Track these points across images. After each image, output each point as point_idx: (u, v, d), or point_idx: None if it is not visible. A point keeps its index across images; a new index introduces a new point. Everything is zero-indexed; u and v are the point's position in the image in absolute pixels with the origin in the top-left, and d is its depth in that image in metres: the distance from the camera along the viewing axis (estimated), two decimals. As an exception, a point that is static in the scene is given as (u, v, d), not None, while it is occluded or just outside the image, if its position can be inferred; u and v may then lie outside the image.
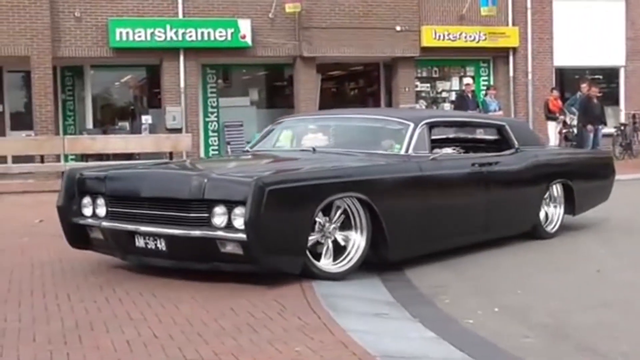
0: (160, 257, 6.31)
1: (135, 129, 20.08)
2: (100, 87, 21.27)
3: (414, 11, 21.21)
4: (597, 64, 23.05)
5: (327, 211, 6.32)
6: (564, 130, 20.84)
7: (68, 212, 6.81)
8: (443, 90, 22.95)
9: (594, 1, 22.75)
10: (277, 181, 5.99)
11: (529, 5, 22.38)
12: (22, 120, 19.76)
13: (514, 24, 22.38)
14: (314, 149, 7.57)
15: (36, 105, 18.69)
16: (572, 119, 20.49)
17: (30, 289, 6.08)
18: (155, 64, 20.31)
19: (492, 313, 5.68)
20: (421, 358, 4.48)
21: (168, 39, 19.41)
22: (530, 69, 22.60)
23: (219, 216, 5.88)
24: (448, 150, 8.34)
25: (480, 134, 9.73)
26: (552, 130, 20.36)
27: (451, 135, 9.38)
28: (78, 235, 6.86)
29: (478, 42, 21.82)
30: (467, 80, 21.42)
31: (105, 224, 6.53)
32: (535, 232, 8.70)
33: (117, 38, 19.06)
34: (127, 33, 19.12)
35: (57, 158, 17.41)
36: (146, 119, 19.91)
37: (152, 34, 19.27)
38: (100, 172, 6.99)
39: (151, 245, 6.22)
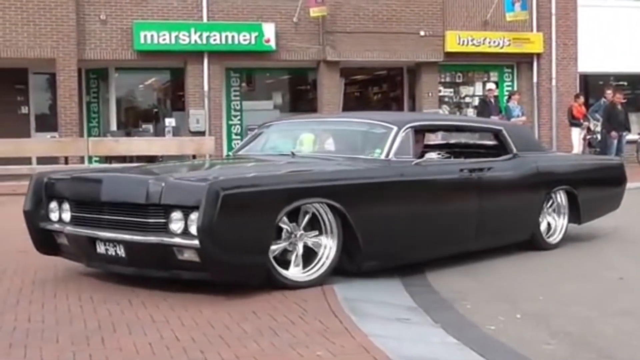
0: (120, 264, 6.12)
1: (159, 132, 20.18)
2: (124, 90, 21.39)
3: (438, 16, 21.17)
4: (622, 70, 22.86)
5: (294, 217, 6.07)
6: (588, 137, 20.71)
7: (35, 217, 6.58)
8: (466, 96, 22.87)
9: (619, 7, 22.57)
10: (233, 185, 5.73)
11: (553, 11, 22.25)
12: (47, 122, 19.92)
13: (538, 30, 22.27)
14: (293, 154, 7.27)
15: (61, 107, 18.83)
16: (596, 125, 20.36)
17: (53, 291, 6.11)
18: (179, 67, 20.40)
19: (513, 319, 5.66)
20: (442, 364, 4.47)
21: (192, 42, 19.49)
22: (554, 75, 22.47)
23: (176, 222, 5.64)
24: (433, 155, 7.68)
25: (476, 139, 9.31)
26: (576, 136, 20.24)
27: (444, 140, 9.13)
28: (46, 240, 6.63)
29: (502, 47, 21.73)
30: (490, 85, 21.28)
31: (69, 229, 6.33)
32: (534, 242, 8.32)
33: (142, 41, 19.16)
34: (152, 36, 19.22)
35: (81, 160, 17.55)
36: (170, 122, 20.00)
37: (177, 37, 19.36)
38: (66, 176, 6.76)
39: (111, 251, 6.01)
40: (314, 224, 6.23)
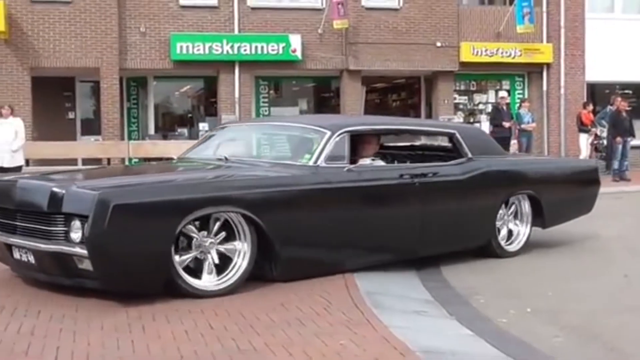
0: (33, 270, 5.74)
1: (193, 135, 20.20)
2: (161, 97, 21.46)
3: (454, 28, 21.09)
4: (627, 79, 22.63)
5: (205, 225, 5.62)
6: (595, 142, 20.55)
7: None
8: (480, 103, 22.75)
9: (624, 20, 22.38)
10: (125, 195, 5.31)
11: (562, 23, 22.09)
12: (91, 126, 20.04)
13: (548, 41, 22.11)
14: (226, 158, 6.66)
15: (104, 112, 18.92)
16: (603, 132, 20.21)
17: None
18: (212, 75, 20.45)
19: (524, 314, 5.64)
20: (458, 354, 4.46)
21: (224, 52, 19.53)
22: (563, 84, 22.31)
23: (76, 231, 5.19)
24: (367, 160, 7.01)
25: (432, 143, 8.48)
26: (584, 141, 20.06)
27: (391, 144, 8.29)
28: None
29: (514, 57, 21.60)
30: (502, 93, 21.17)
31: None
32: (490, 249, 7.54)
33: (178, 51, 19.23)
34: (187, 47, 19.28)
35: (122, 161, 17.63)
36: (203, 126, 20.01)
37: (210, 48, 19.41)
38: None
39: (24, 257, 5.62)
40: (230, 232, 5.75)
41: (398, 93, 23.99)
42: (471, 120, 22.46)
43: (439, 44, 20.86)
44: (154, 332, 4.68)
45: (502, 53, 21.47)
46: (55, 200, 5.31)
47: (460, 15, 21.26)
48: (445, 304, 5.75)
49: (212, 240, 5.66)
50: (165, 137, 19.90)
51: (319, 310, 5.22)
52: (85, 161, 17.68)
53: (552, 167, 8.89)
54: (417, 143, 8.57)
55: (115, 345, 4.42)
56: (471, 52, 21.19)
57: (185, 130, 20.85)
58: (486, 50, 21.34)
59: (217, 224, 5.68)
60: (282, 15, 20.00)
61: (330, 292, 5.72)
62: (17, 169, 13.68)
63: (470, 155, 7.39)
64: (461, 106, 22.46)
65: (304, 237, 6.12)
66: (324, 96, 22.53)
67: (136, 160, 18.35)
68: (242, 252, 5.76)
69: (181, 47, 19.22)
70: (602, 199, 9.07)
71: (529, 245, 8.04)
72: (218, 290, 5.63)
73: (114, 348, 4.36)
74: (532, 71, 22.45)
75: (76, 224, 5.19)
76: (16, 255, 5.71)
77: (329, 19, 19.80)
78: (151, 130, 20.48)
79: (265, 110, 21.01)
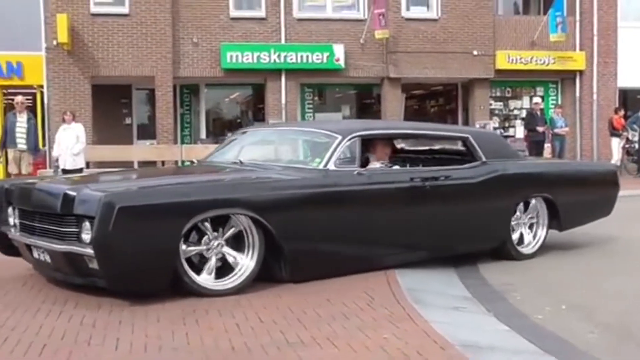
0: (49, 269, 5.75)
1: (242, 140, 20.33)
2: (212, 103, 21.63)
3: (490, 37, 20.91)
4: (658, 85, 22.31)
5: (218, 225, 5.51)
6: (626, 146, 20.22)
7: None
8: (515, 109, 22.54)
9: (656, 28, 22.09)
10: (131, 198, 5.22)
11: (595, 32, 21.80)
12: (147, 131, 20.27)
13: (581, 49, 21.82)
14: (240, 162, 6.57)
15: (159, 118, 19.13)
16: (634, 136, 19.89)
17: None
18: (260, 83, 20.55)
19: (559, 310, 5.56)
20: (496, 349, 4.41)
21: (272, 61, 19.62)
22: (595, 90, 22.00)
23: (86, 231, 5.14)
24: (376, 164, 6.88)
25: (445, 147, 8.15)
26: (616, 145, 19.75)
27: (408, 149, 8.14)
28: (7, 242, 6.18)
29: (547, 65, 21.37)
30: (536, 99, 21.14)
31: (15, 234, 5.96)
32: (505, 251, 7.29)
33: (228, 60, 19.37)
34: (237, 56, 19.41)
35: (176, 164, 17.80)
36: (251, 131, 20.12)
37: (258, 57, 19.51)
38: (14, 184, 6.27)
39: (42, 257, 5.62)
40: (238, 233, 5.62)
41: (436, 99, 23.88)
42: (506, 125, 22.35)
43: (475, 53, 20.72)
44: (206, 325, 4.71)
45: (536, 61, 21.26)
46: (67, 202, 5.27)
47: (496, 25, 21.09)
48: (482, 300, 5.69)
49: (221, 241, 5.54)
50: (216, 142, 19.99)
51: (362, 305, 5.21)
52: (141, 164, 17.90)
53: (568, 171, 8.54)
54: (433, 147, 8.31)
55: (171, 337, 4.45)
56: (506, 60, 21.01)
57: (234, 135, 20.91)
58: (521, 58, 21.14)
59: (227, 227, 5.56)
60: (326, 26, 20.03)
61: (373, 289, 5.70)
62: (78, 171, 13.88)
63: (484, 158, 7.17)
64: (497, 112, 22.29)
65: (313, 239, 5.94)
66: (365, 102, 22.50)
67: (187, 162, 18.48)
68: (250, 253, 5.63)
69: (231, 56, 19.36)
70: (633, 202, 8.84)
71: (562, 245, 7.94)
72: (225, 290, 5.50)
73: (170, 339, 4.40)
74: (566, 78, 22.19)
75: (86, 225, 5.14)
76: (35, 254, 5.72)
77: (371, 29, 19.79)
78: (202, 134, 20.64)
79: (310, 116, 21.07)
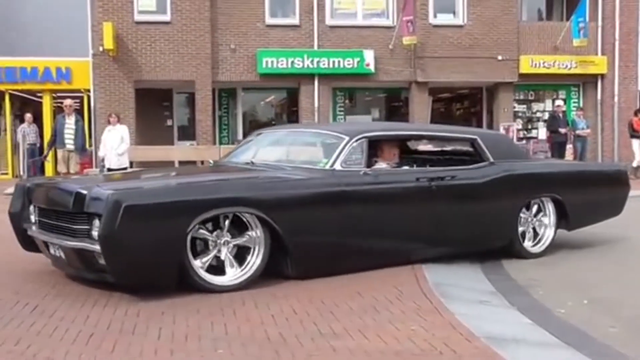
0: (64, 264, 5.74)
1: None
2: (248, 106, 21.72)
3: (514, 43, 20.72)
4: (678, 88, 21.94)
5: (219, 226, 5.44)
6: (647, 147, 19.89)
7: (19, 218, 6.11)
8: (537, 111, 22.31)
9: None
10: (137, 196, 5.14)
11: (617, 36, 21.51)
12: (187, 132, 20.42)
13: (602, 53, 21.54)
14: (252, 162, 6.52)
15: (198, 120, 19.26)
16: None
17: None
18: (294, 87, 20.60)
19: (581, 305, 5.49)
20: (519, 341, 4.38)
21: (305, 66, 19.65)
22: (616, 93, 21.70)
23: (96, 229, 5.07)
24: (382, 164, 6.78)
25: (454, 148, 7.99)
26: (636, 146, 19.41)
27: (417, 149, 7.98)
28: (28, 239, 6.13)
29: (570, 69, 21.12)
30: (559, 102, 20.88)
31: (34, 231, 5.93)
32: (513, 250, 7.10)
33: (264, 66, 19.45)
34: (272, 62, 19.48)
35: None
36: (286, 133, 20.16)
37: (292, 62, 19.56)
38: (35, 183, 6.23)
39: (57, 253, 5.61)
40: (244, 231, 5.55)
41: (461, 102, 23.74)
42: (529, 126, 22.14)
43: (500, 58, 20.55)
44: (243, 316, 4.73)
45: (558, 65, 21.03)
46: (79, 200, 5.23)
47: (520, 30, 20.90)
48: (506, 294, 5.65)
49: (228, 238, 5.48)
50: (251, 142, 20.08)
51: (391, 298, 5.20)
52: (181, 163, 18.03)
53: (576, 171, 8.22)
54: (444, 149, 8.18)
55: (210, 327, 4.48)
56: (530, 64, 20.81)
57: (268, 136, 20.96)
58: (544, 63, 20.92)
59: (227, 222, 5.47)
60: (357, 33, 20.01)
61: (402, 283, 5.69)
62: (123, 170, 14.03)
63: (492, 159, 7.00)
64: (520, 114, 22.09)
65: (318, 237, 5.83)
66: (394, 105, 22.44)
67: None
68: (255, 250, 5.55)
69: (267, 61, 19.43)
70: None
71: (584, 243, 7.85)
72: (232, 285, 5.42)
73: (209, 330, 4.42)
74: (587, 81, 21.92)
75: (96, 222, 5.09)
76: (51, 251, 5.70)
77: (399, 35, 19.73)
78: (239, 135, 20.72)
79: (341, 118, 21.08)
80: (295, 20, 19.83)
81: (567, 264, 7.11)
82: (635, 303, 5.57)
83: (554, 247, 7.45)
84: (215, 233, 5.45)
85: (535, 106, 22.33)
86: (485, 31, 20.51)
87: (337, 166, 6.06)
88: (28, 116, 18.83)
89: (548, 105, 22.12)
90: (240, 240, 5.55)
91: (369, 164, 6.43)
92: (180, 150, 19.09)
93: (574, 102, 22.11)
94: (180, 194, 5.42)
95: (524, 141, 21.63)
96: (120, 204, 4.93)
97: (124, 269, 5.10)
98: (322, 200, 5.85)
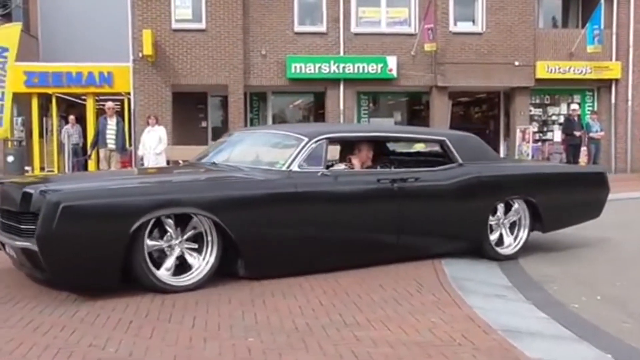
0: (20, 265, 5.43)
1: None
2: (278, 108, 21.75)
3: (530, 49, 20.53)
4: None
5: (180, 224, 5.19)
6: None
7: None
8: (553, 114, 22.09)
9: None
10: (76, 197, 4.83)
11: (630, 43, 21.22)
12: (220, 133, 20.23)
13: (617, 59, 21.26)
14: (214, 163, 6.26)
15: (231, 122, 19.34)
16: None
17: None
18: (321, 91, 20.62)
19: (594, 300, 5.42)
20: (535, 334, 4.34)
21: (331, 72, 19.66)
22: (630, 97, 21.40)
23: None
24: (341, 166, 6.54)
25: (426, 150, 7.51)
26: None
27: (391, 151, 7.63)
28: None
29: (585, 74, 20.87)
30: (574, 106, 20.72)
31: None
32: (483, 252, 6.67)
33: (293, 71, 19.49)
34: (300, 67, 19.51)
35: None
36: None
37: (320, 68, 19.58)
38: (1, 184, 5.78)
39: (11, 252, 5.32)
40: (198, 232, 5.30)
41: (480, 106, 23.57)
42: (544, 129, 21.92)
43: (517, 63, 20.37)
44: (272, 306, 4.74)
45: (574, 70, 20.80)
46: (26, 200, 4.94)
47: (537, 37, 20.70)
48: (522, 289, 5.59)
49: (182, 239, 5.23)
50: (280, 143, 20.12)
51: (412, 291, 5.18)
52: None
53: (550, 173, 7.59)
54: (419, 151, 7.76)
55: (241, 316, 4.50)
56: (546, 70, 20.61)
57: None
58: (559, 68, 20.71)
59: (188, 226, 5.24)
60: (381, 40, 19.96)
61: (422, 276, 5.67)
62: (161, 168, 14.08)
63: (460, 161, 6.62)
64: (536, 117, 21.89)
65: (271, 238, 5.49)
66: (415, 109, 22.35)
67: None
68: (209, 250, 5.30)
69: (295, 67, 19.47)
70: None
71: (597, 241, 7.73)
72: (184, 286, 5.16)
73: (240, 318, 4.44)
74: (602, 86, 21.65)
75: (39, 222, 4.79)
76: (7, 250, 5.43)
77: (421, 42, 19.65)
78: (269, 136, 20.73)
79: (365, 120, 21.05)
80: (322, 28, 19.84)
81: (580, 261, 7.03)
82: (647, 299, 5.49)
83: (567, 245, 7.37)
84: (165, 237, 5.18)
85: (551, 110, 22.12)
86: (503, 38, 20.34)
87: (294, 167, 5.73)
88: (71, 117, 19.07)
89: (563, 109, 21.90)
90: (193, 241, 5.29)
91: (329, 166, 6.19)
92: (213, 150, 19.10)
93: (589, 106, 21.85)
94: (122, 195, 5.06)
95: (539, 143, 21.46)
96: (59, 204, 4.67)
97: (62, 269, 4.81)
98: (275, 201, 5.52)
